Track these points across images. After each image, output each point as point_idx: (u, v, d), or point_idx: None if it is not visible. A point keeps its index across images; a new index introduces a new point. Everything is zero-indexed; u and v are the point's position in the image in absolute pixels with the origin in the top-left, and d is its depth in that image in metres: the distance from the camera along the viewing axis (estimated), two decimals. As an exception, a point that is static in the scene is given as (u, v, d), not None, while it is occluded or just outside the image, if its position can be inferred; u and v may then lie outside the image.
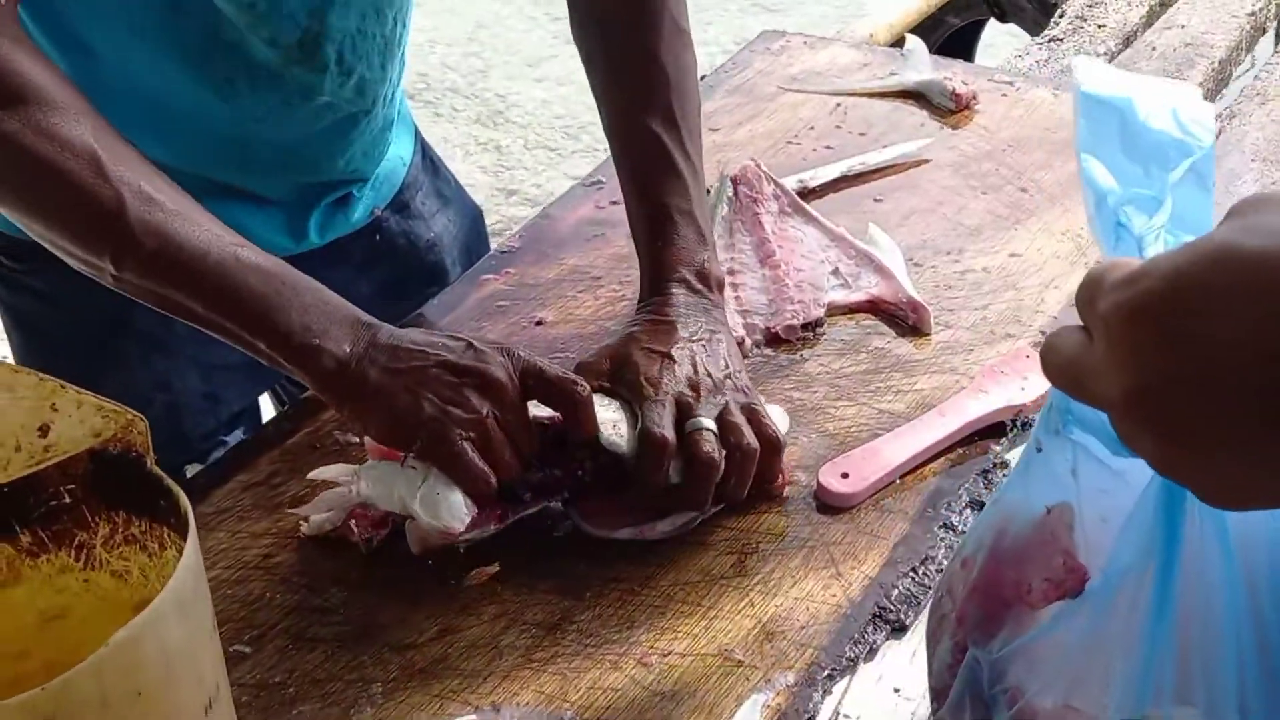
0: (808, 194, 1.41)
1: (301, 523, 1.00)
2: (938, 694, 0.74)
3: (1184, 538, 0.60)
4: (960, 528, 1.00)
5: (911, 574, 0.96)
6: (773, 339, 1.21)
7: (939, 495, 1.03)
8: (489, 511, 0.94)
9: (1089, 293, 0.53)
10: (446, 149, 3.93)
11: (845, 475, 1.03)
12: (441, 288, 1.35)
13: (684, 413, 0.96)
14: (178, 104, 1.11)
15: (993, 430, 1.09)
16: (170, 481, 0.76)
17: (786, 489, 1.03)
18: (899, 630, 0.93)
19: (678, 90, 1.15)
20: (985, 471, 1.06)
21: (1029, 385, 1.11)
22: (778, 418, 1.05)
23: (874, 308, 1.24)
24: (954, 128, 1.54)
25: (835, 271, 1.28)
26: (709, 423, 0.96)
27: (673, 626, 0.93)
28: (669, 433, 0.94)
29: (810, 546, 0.99)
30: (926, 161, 1.47)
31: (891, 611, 0.93)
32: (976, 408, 1.09)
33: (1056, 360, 0.54)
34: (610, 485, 0.99)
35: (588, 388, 0.96)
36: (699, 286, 1.09)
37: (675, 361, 0.99)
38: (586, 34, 1.20)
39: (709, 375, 0.99)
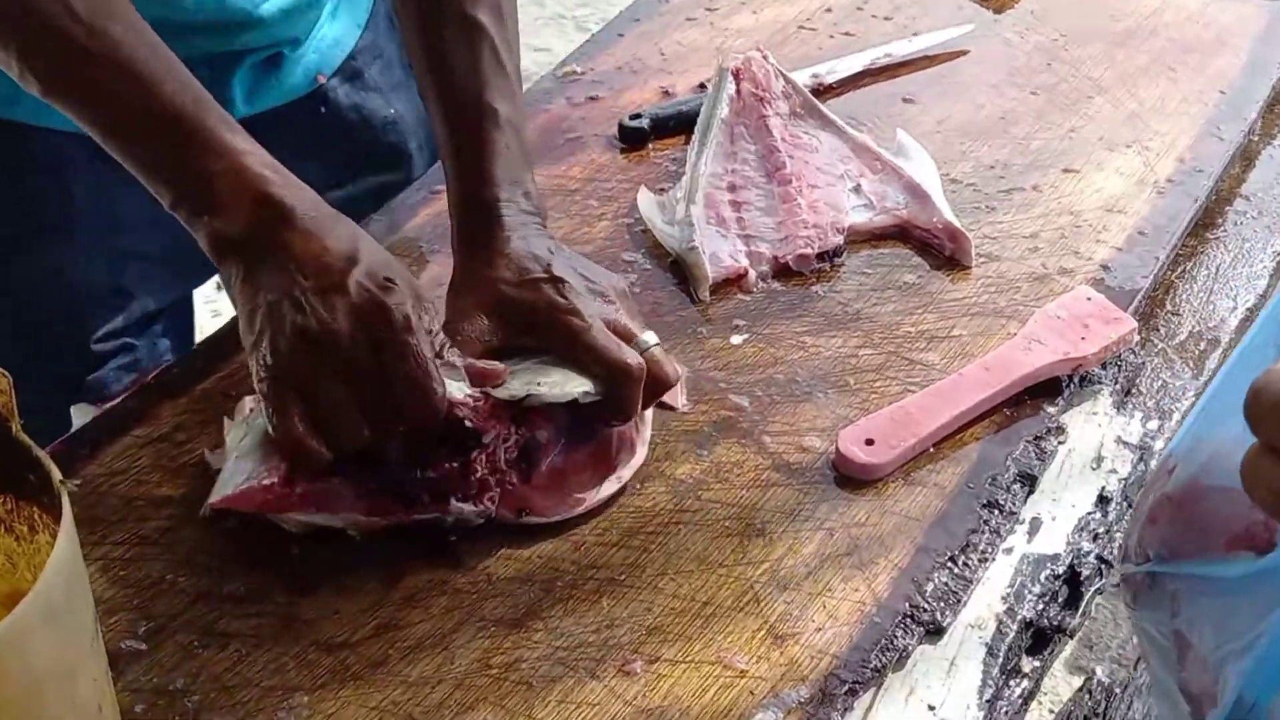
0: (824, 92, 1.37)
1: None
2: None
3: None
4: (1009, 506, 0.97)
5: (949, 564, 0.93)
6: (781, 271, 1.17)
7: (982, 467, 1.00)
8: (348, 496, 0.91)
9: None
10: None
11: (870, 442, 0.99)
12: (401, 175, 1.32)
13: (618, 333, 0.97)
14: None
15: (1046, 387, 1.06)
16: (40, 452, 0.70)
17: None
18: (934, 633, 0.89)
19: None
20: (1038, 438, 1.02)
21: (1090, 333, 1.07)
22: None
23: (903, 233, 1.21)
24: (999, 12, 1.50)
25: (857, 189, 1.24)
26: (653, 337, 0.99)
27: (662, 626, 0.89)
28: (635, 356, 0.95)
29: (828, 529, 0.95)
30: (965, 53, 1.44)
31: (925, 610, 0.90)
32: (1027, 360, 1.05)
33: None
34: (540, 461, 0.96)
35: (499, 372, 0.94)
36: (528, 208, 1.04)
37: (567, 282, 0.97)
38: None
39: (602, 289, 0.99)
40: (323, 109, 1.31)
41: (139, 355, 1.26)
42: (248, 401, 0.99)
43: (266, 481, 0.90)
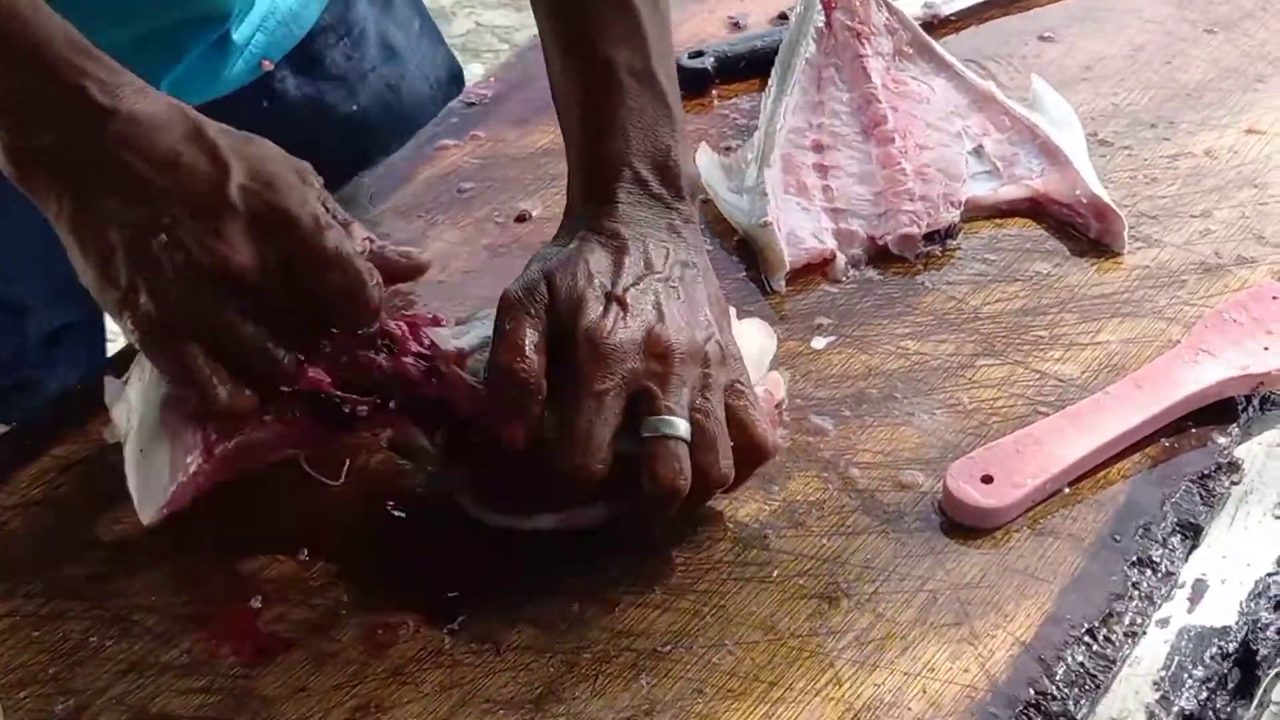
0: (939, 26, 1.37)
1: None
2: None
3: None
4: (1165, 565, 0.96)
5: (1087, 639, 0.91)
6: (879, 254, 1.17)
7: (1131, 513, 0.99)
8: (276, 434, 0.95)
9: None
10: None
11: (988, 479, 0.98)
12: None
13: (640, 402, 0.93)
14: None
15: (1217, 412, 1.04)
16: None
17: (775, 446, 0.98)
18: (1065, 729, 0.88)
19: None
20: (1204, 476, 1.01)
21: (1276, 342, 1.06)
22: (759, 340, 1.04)
23: (1037, 210, 1.20)
24: None
25: (978, 151, 1.23)
26: (681, 426, 0.92)
27: (715, 714, 0.88)
28: (599, 455, 0.90)
29: (931, 590, 0.94)
30: None
31: (1054, 699, 0.88)
32: (1193, 376, 1.04)
33: None
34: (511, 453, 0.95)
35: (374, 282, 0.92)
36: (659, 189, 1.03)
37: (631, 312, 0.94)
38: None
39: (681, 337, 0.94)
40: (265, 103, 1.31)
41: (44, 391, 1.27)
42: (132, 375, 0.99)
43: (193, 469, 0.92)
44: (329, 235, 0.90)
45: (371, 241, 0.96)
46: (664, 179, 1.03)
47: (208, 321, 0.89)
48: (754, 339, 1.04)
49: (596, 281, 0.96)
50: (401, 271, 0.97)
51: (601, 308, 0.95)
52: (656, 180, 1.02)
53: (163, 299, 0.89)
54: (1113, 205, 1.16)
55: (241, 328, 0.90)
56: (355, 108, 1.36)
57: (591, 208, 1.01)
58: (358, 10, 1.36)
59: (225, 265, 0.89)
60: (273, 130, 1.25)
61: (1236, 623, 0.93)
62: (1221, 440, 1.03)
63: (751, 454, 0.96)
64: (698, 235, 1.04)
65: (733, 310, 1.04)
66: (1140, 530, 0.97)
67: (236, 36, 1.26)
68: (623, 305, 0.95)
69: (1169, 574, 0.95)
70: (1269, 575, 0.96)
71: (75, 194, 0.90)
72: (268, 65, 1.29)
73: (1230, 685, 0.92)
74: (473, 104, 1.32)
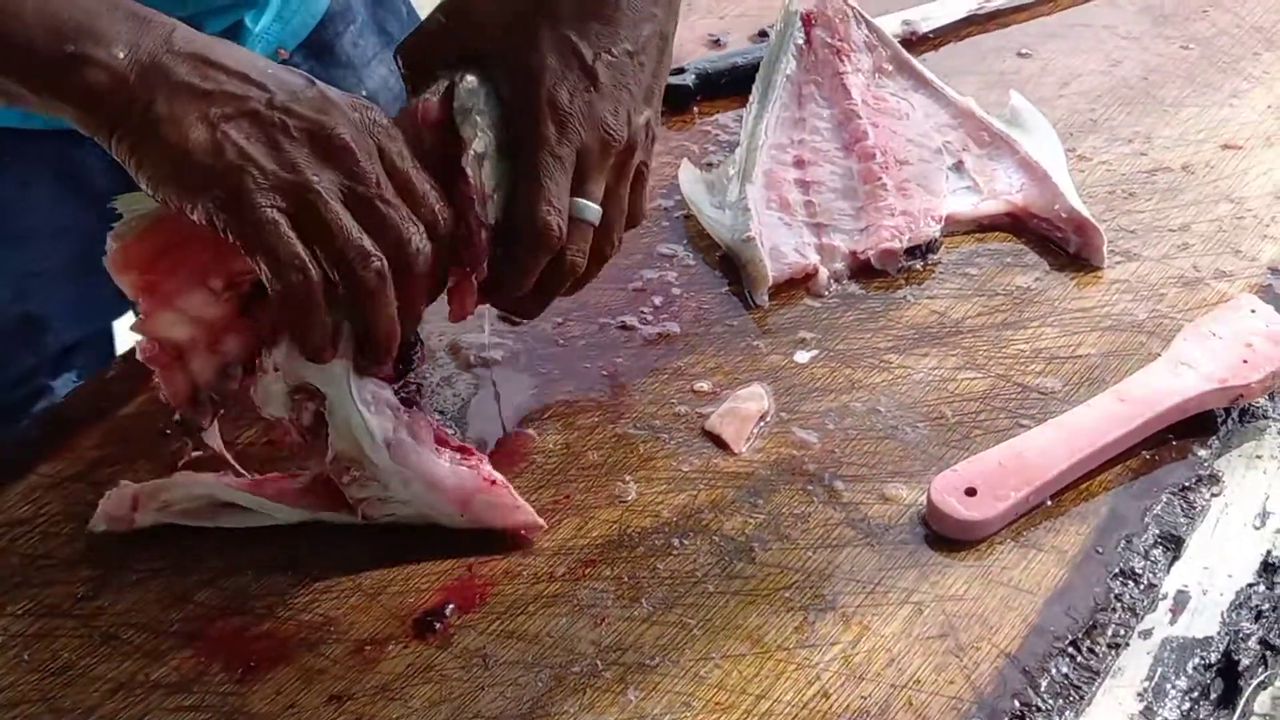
0: (917, 43, 1.38)
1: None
2: None
3: None
4: (1148, 577, 0.96)
5: (1071, 650, 0.92)
6: (861, 269, 1.17)
7: (1113, 526, 0.99)
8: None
9: None
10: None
11: (971, 492, 0.98)
12: None
13: (578, 178, 1.00)
14: None
15: (1197, 424, 1.05)
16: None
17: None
18: (1050, 740, 0.88)
19: None
20: (1185, 488, 1.01)
21: (1254, 354, 1.06)
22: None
23: (1017, 224, 1.21)
24: None
25: (958, 166, 1.24)
26: (593, 212, 1.01)
27: None
28: (562, 219, 0.98)
29: (916, 602, 0.94)
30: None
31: (1038, 710, 0.88)
32: (1173, 389, 1.04)
33: None
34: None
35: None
36: None
37: (598, 89, 0.99)
38: None
39: (622, 127, 1.00)
40: None
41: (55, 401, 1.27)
42: None
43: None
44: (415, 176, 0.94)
45: None
46: None
47: (314, 198, 0.90)
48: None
49: (567, 35, 0.99)
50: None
51: (571, 78, 0.98)
52: None
53: (278, 151, 0.90)
54: (1092, 220, 1.17)
55: (344, 214, 0.91)
56: (364, 92, 1.37)
57: None
58: (355, 1, 1.38)
59: (331, 138, 0.91)
60: None
61: (1218, 633, 0.93)
62: (1201, 452, 1.03)
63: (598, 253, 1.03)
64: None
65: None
66: (1122, 542, 0.98)
67: (252, 24, 1.27)
68: (591, 77, 0.99)
69: (1151, 585, 0.95)
70: (1249, 586, 0.96)
71: (168, 94, 0.90)
72: (284, 54, 1.30)
73: (1213, 696, 0.92)
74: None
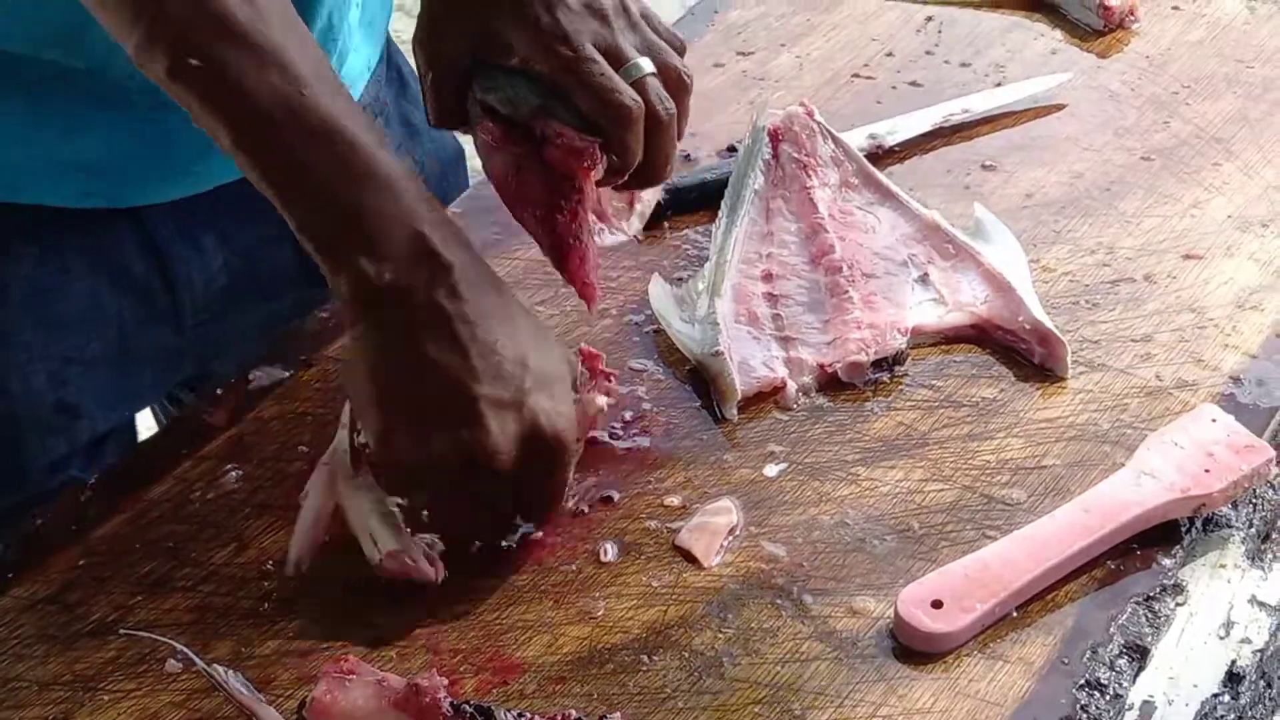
0: (883, 156, 1.38)
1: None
2: None
3: None
4: (1114, 688, 0.96)
5: (1038, 763, 0.92)
6: (829, 382, 1.18)
7: (1079, 636, 0.99)
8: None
9: None
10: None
11: (938, 604, 0.99)
12: None
13: (607, 57, 1.05)
14: None
15: (1161, 534, 1.05)
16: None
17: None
18: None
19: None
20: (1149, 598, 1.02)
21: (1216, 464, 1.07)
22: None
23: (982, 336, 1.21)
24: (1102, 56, 1.52)
25: (923, 279, 1.25)
26: (646, 64, 1.06)
27: None
28: (627, 92, 1.03)
29: (884, 717, 0.94)
30: (1061, 108, 1.45)
31: (1007, 823, 0.88)
32: (1137, 498, 1.05)
33: None
34: None
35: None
36: None
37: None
38: None
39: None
40: None
41: None
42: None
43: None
44: (569, 465, 1.03)
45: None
46: None
47: (445, 481, 1.00)
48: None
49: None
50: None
51: (536, 11, 1.05)
52: None
53: (423, 442, 0.97)
54: (1055, 331, 1.17)
55: (462, 498, 1.01)
56: None
57: None
58: (383, 94, 1.40)
59: (491, 452, 0.97)
60: None
61: (1184, 744, 0.94)
62: (1166, 562, 1.04)
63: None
64: None
65: None
66: (1088, 653, 0.98)
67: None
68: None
69: (1117, 696, 0.95)
70: (1215, 696, 0.97)
71: (391, 343, 0.98)
72: None
73: (1180, 806, 0.92)
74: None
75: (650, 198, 1.18)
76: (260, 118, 0.94)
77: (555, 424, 0.99)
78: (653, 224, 1.33)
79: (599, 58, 1.04)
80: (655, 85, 1.05)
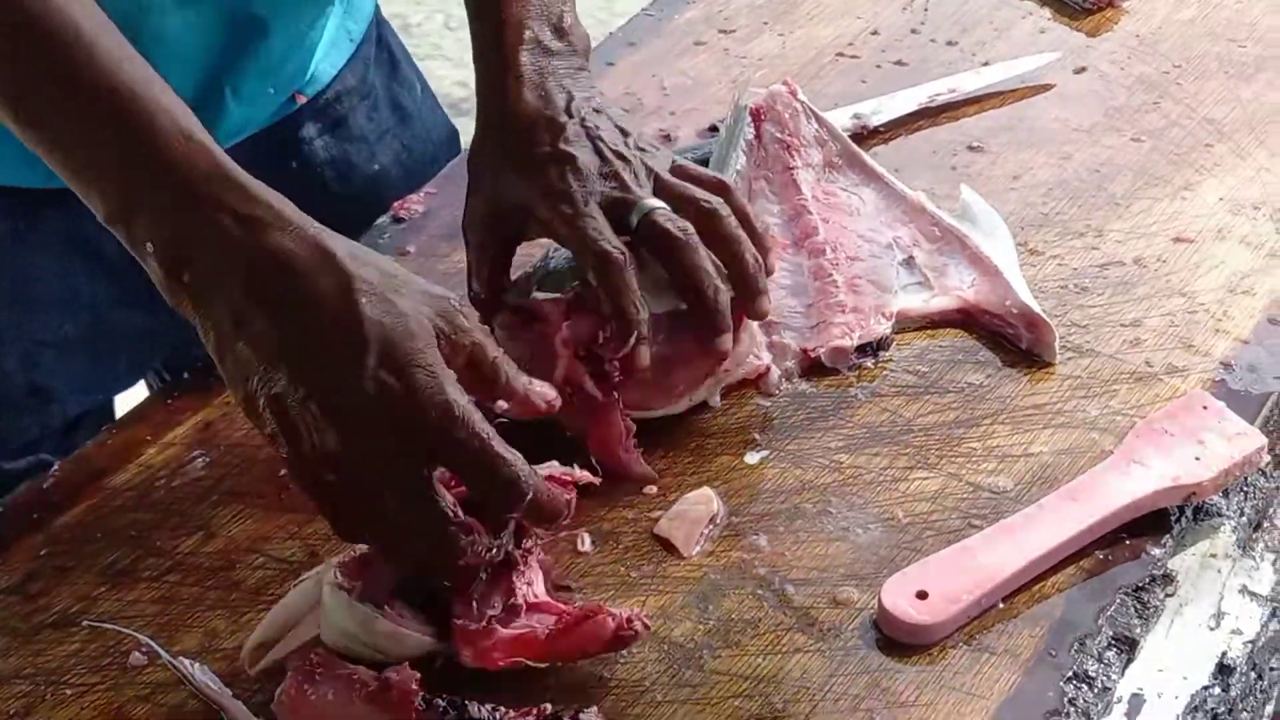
0: (868, 137, 1.38)
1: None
2: None
3: None
4: (1102, 680, 0.95)
5: (1024, 757, 0.91)
6: (811, 368, 1.17)
7: (1067, 628, 0.98)
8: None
9: None
10: (415, 41, 3.75)
11: (922, 595, 0.98)
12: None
13: (617, 209, 1.06)
14: None
15: (1150, 523, 1.04)
16: None
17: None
18: None
19: None
20: (1139, 589, 1.01)
21: (1206, 452, 1.06)
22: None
23: (968, 320, 1.20)
24: (1091, 35, 1.51)
25: (908, 262, 1.24)
26: (655, 201, 1.07)
27: None
28: (611, 240, 1.04)
29: (867, 709, 0.94)
30: (1049, 88, 1.44)
31: (993, 820, 0.88)
32: (1126, 487, 1.04)
33: None
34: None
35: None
36: (556, 45, 1.12)
37: (575, 156, 1.07)
38: None
39: (618, 152, 1.08)
40: (294, 164, 1.34)
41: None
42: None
43: None
44: (462, 428, 0.89)
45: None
46: (559, 36, 1.12)
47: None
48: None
49: (537, 151, 1.08)
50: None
51: (553, 170, 1.07)
52: (553, 37, 1.12)
53: (299, 461, 0.89)
54: (1043, 316, 1.17)
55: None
56: (377, 167, 1.39)
57: (495, 86, 1.11)
58: (371, 75, 1.39)
59: (353, 452, 0.89)
60: (299, 188, 1.27)
61: (1174, 737, 0.93)
62: (1155, 551, 1.03)
63: (718, 187, 1.11)
64: (588, 74, 1.14)
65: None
66: (1076, 645, 0.97)
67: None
68: (566, 158, 1.07)
69: (1105, 689, 0.95)
70: (1205, 688, 0.96)
71: (218, 329, 0.90)
72: (301, 99, 1.33)
73: (1169, 802, 0.91)
74: (402, 220, 1.31)
75: (733, 368, 1.13)
76: (55, 95, 0.91)
77: (408, 392, 0.89)
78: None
79: (597, 214, 1.05)
80: (664, 214, 1.06)
